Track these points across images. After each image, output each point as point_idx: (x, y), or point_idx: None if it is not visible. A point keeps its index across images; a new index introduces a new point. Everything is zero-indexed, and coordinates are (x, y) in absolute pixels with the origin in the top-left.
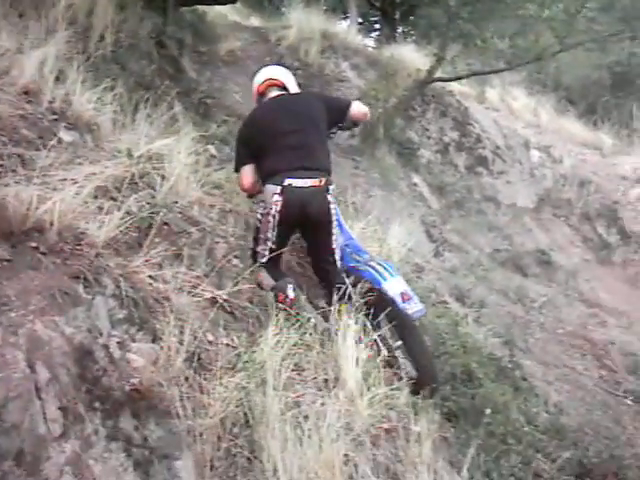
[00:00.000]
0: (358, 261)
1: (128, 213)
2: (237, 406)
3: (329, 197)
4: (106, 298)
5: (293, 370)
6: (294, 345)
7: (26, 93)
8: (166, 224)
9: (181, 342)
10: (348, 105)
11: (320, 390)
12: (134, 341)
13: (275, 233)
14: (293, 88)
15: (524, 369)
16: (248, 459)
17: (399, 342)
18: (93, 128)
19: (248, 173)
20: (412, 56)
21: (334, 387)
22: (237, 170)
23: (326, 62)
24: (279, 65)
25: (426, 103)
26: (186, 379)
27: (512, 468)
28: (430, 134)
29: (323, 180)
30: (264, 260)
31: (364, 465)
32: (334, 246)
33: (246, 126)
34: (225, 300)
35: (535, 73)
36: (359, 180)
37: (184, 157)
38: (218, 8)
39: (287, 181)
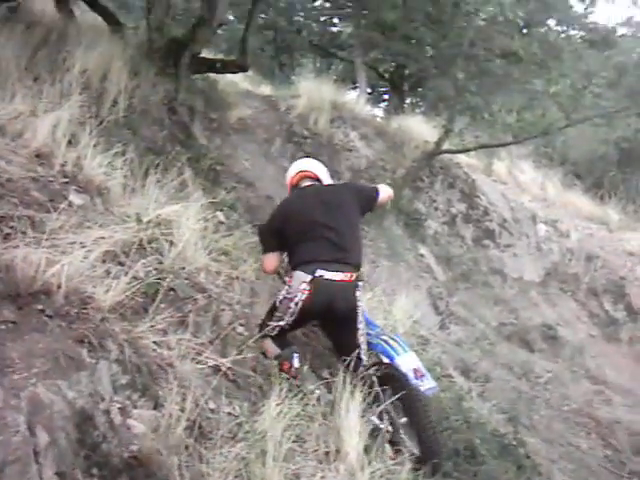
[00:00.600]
0: (369, 334)
1: (135, 278)
2: (236, 476)
3: (357, 293)
4: (110, 363)
5: (294, 441)
6: (296, 416)
7: (38, 156)
8: (172, 290)
9: (182, 410)
10: (377, 193)
11: (321, 463)
12: (136, 407)
13: (292, 319)
14: (326, 180)
15: (528, 446)
16: None
17: (404, 419)
18: (103, 192)
19: (273, 260)
20: (420, 127)
21: (335, 460)
22: (263, 253)
23: (335, 132)
24: (312, 158)
25: (434, 174)
26: (186, 448)
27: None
28: (437, 205)
29: (354, 275)
30: (272, 334)
31: None
32: (360, 341)
33: (279, 215)
34: (229, 368)
35: (542, 147)
36: (366, 250)
37: (192, 223)
38: (230, 76)
39: (319, 272)
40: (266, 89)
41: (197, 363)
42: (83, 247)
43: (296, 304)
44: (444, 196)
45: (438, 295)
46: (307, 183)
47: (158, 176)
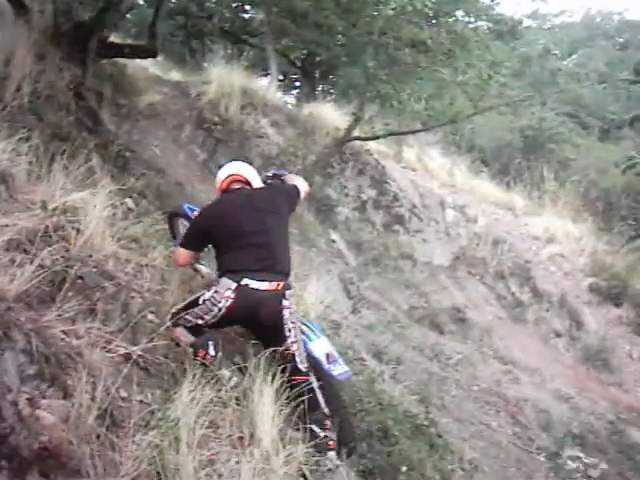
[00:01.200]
0: None
1: (41, 266)
2: (150, 464)
3: (285, 302)
4: (16, 353)
5: (208, 427)
6: (209, 402)
7: None
8: (80, 278)
9: (93, 399)
10: (299, 191)
11: (235, 448)
12: (44, 397)
13: (213, 321)
14: (256, 184)
15: (440, 426)
16: None
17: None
18: (7, 179)
19: (187, 257)
20: (331, 114)
21: (249, 445)
22: (181, 246)
23: (246, 118)
24: (242, 162)
25: (344, 161)
26: (97, 437)
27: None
28: (348, 192)
29: (281, 284)
30: (185, 325)
31: None
32: (293, 349)
33: (207, 217)
34: (139, 356)
35: (450, 134)
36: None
37: (100, 210)
38: (139, 61)
39: (244, 281)
40: (176, 75)
41: (107, 352)
42: None
43: (219, 309)
44: (355, 182)
45: (349, 280)
46: (237, 186)
47: (65, 163)
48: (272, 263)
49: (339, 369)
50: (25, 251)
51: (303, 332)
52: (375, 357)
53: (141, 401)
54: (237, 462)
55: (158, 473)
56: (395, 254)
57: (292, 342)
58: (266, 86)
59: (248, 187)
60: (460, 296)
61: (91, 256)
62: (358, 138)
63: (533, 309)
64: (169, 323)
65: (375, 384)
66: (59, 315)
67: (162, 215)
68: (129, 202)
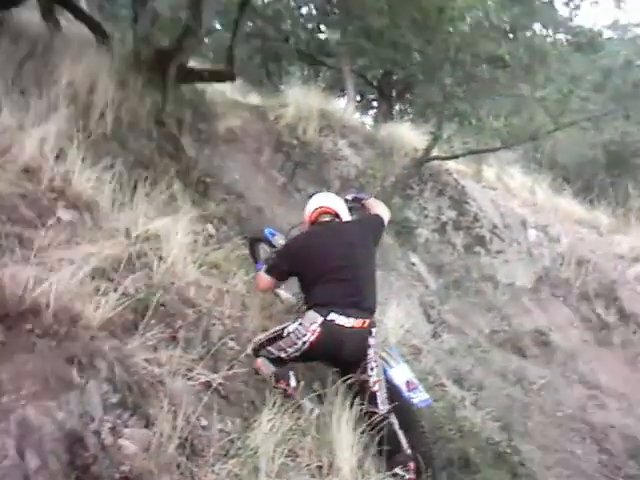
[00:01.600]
0: None
1: (125, 294)
2: None
3: (370, 340)
4: (99, 382)
5: (287, 456)
6: (289, 430)
7: (26, 171)
8: (162, 305)
9: (174, 427)
10: (383, 221)
11: (314, 477)
12: (126, 426)
13: (295, 355)
14: (344, 216)
15: (522, 454)
16: None
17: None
18: (92, 207)
19: (270, 284)
20: (409, 134)
21: (328, 474)
22: (266, 272)
23: (324, 140)
24: (331, 194)
25: (423, 182)
26: (178, 466)
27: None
28: (428, 213)
29: (367, 321)
30: (267, 357)
31: None
32: (375, 389)
33: (296, 248)
34: (220, 384)
35: (531, 152)
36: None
37: (182, 237)
38: (217, 86)
39: (331, 316)
40: (254, 98)
41: (188, 379)
42: (72, 264)
43: (303, 343)
44: (434, 203)
45: (430, 303)
46: (326, 219)
47: (147, 189)
48: (359, 300)
49: (419, 397)
50: (109, 279)
51: (383, 358)
52: (456, 383)
53: (221, 430)
54: None
55: None
56: (476, 276)
57: (374, 382)
58: (343, 107)
59: (337, 220)
60: (543, 318)
61: (173, 283)
62: (437, 158)
63: (620, 331)
64: (249, 351)
65: (456, 411)
66: (142, 343)
67: (242, 240)
68: (210, 228)
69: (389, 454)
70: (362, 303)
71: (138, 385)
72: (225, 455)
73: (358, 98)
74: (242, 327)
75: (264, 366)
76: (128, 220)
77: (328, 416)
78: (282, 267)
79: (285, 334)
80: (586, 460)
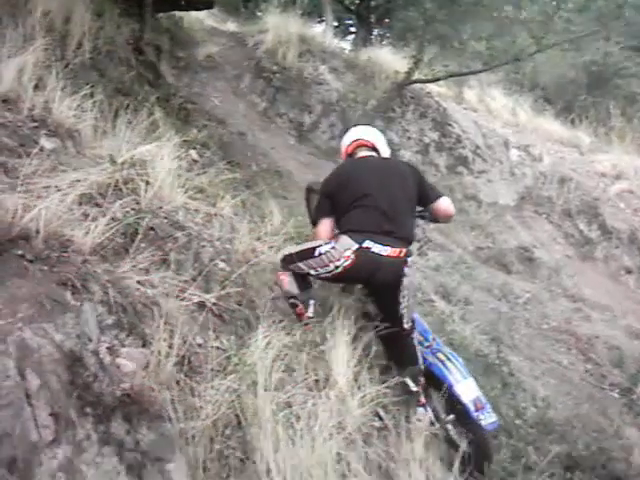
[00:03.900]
0: (421, 343)
1: (113, 219)
2: (229, 408)
3: (406, 269)
4: (94, 304)
5: (284, 371)
6: (284, 346)
7: (5, 101)
8: (152, 229)
9: (171, 346)
10: (438, 196)
11: (311, 390)
12: (124, 346)
13: (326, 275)
14: (384, 151)
15: (511, 365)
16: (241, 460)
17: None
18: (74, 135)
19: (327, 226)
20: (389, 58)
21: (325, 387)
22: (315, 221)
23: (304, 65)
24: (369, 126)
25: (405, 105)
26: (177, 383)
27: (503, 462)
28: (410, 135)
29: (403, 251)
30: (295, 271)
31: (356, 463)
32: (402, 312)
33: (332, 179)
34: (213, 304)
35: (512, 73)
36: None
37: (167, 162)
38: (194, 13)
39: (367, 243)
40: (232, 26)
41: (181, 300)
42: (59, 191)
43: (336, 267)
44: (416, 126)
45: (415, 223)
46: (364, 153)
47: (128, 117)
48: (395, 229)
49: (488, 418)
50: (97, 205)
51: (449, 370)
52: (444, 298)
53: (217, 347)
54: (313, 404)
55: (237, 416)
56: (460, 196)
57: (403, 307)
58: (322, 33)
59: (375, 154)
60: (527, 236)
61: (161, 207)
62: (418, 81)
63: (602, 246)
64: (278, 260)
65: (445, 325)
66: (133, 266)
67: (226, 165)
68: (193, 154)
69: (402, 364)
70: (398, 232)
71: (133, 306)
72: (223, 371)
73: (336, 24)
74: (232, 249)
75: (288, 283)
76: (111, 147)
77: (325, 332)
78: (324, 203)
79: (317, 254)
80: (572, 370)
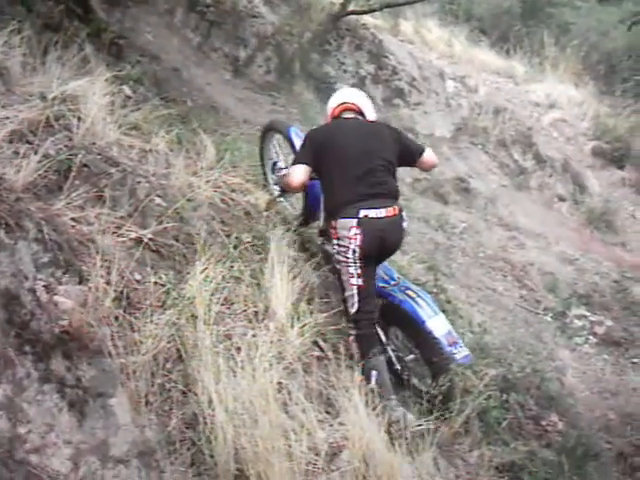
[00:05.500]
0: (387, 281)
1: (46, 156)
2: (169, 342)
3: (404, 224)
4: (29, 242)
5: (223, 304)
6: (222, 279)
7: None
8: (85, 166)
9: (108, 282)
10: (421, 152)
11: (250, 322)
12: (60, 284)
13: (358, 267)
14: (370, 114)
15: (448, 293)
16: (183, 393)
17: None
18: (2, 72)
19: (302, 173)
20: None
21: (264, 319)
22: (296, 162)
23: None
24: (356, 89)
25: (341, 37)
26: (116, 318)
27: (441, 386)
28: (346, 68)
29: (397, 208)
30: (353, 310)
31: (297, 392)
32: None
33: (318, 135)
34: (150, 239)
35: (447, 4)
36: (278, 116)
37: (99, 98)
38: None
39: (362, 212)
40: None
41: (118, 236)
42: None
43: (353, 252)
44: (352, 58)
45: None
46: (349, 115)
47: (58, 53)
48: (380, 189)
49: (461, 352)
50: (28, 142)
51: (420, 306)
52: None
53: (155, 282)
54: (253, 335)
55: (178, 350)
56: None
57: None
58: None
59: (361, 118)
60: (463, 166)
61: (94, 144)
62: (354, 12)
63: (536, 175)
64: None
65: None
66: (68, 203)
67: (161, 101)
68: (126, 89)
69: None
70: (385, 190)
71: (68, 243)
72: (162, 306)
73: None
74: (168, 184)
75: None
76: (41, 84)
77: (263, 264)
78: (307, 151)
79: (338, 265)
80: (508, 296)
